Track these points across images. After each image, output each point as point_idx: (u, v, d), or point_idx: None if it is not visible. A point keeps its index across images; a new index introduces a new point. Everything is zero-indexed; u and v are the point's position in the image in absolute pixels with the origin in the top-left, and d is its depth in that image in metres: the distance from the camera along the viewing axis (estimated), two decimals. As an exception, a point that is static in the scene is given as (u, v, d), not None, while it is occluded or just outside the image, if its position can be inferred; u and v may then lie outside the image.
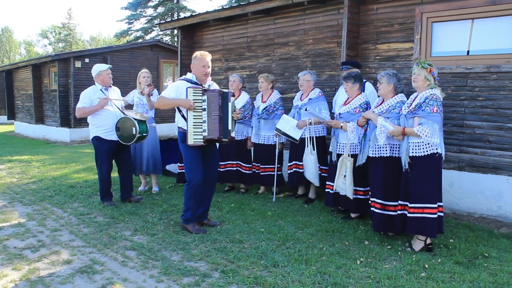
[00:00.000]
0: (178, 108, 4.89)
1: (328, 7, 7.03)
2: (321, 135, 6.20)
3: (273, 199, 6.42)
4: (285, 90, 7.62)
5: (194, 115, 4.71)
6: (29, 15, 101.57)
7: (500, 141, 5.41)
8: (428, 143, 4.21)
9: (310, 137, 6.00)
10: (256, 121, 6.62)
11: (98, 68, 6.01)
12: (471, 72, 5.56)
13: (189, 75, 4.96)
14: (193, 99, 4.69)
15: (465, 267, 3.95)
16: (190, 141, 4.72)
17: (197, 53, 4.96)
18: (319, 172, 6.10)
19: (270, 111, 6.50)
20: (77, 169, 8.99)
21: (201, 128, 4.72)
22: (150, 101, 6.75)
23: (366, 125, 4.93)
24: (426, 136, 4.16)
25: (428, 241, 4.37)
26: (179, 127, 4.94)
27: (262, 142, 6.62)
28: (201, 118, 4.73)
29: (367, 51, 6.59)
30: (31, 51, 58.12)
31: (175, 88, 4.84)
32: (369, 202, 4.95)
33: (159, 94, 6.91)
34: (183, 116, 4.85)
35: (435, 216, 4.24)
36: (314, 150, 5.96)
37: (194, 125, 4.71)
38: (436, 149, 4.21)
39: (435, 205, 4.24)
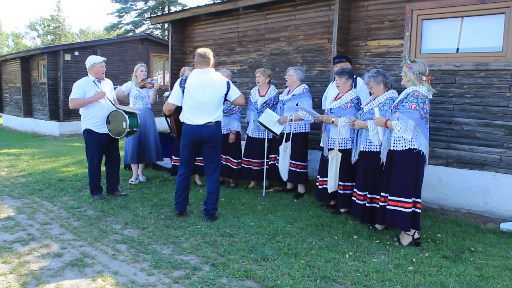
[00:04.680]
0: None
1: (319, 3, 7.05)
2: (302, 131, 6.25)
3: (263, 193, 6.45)
4: (276, 85, 7.59)
5: None
6: (17, 7, 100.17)
7: (488, 138, 5.48)
8: (407, 139, 4.28)
9: (287, 133, 6.11)
10: (256, 116, 6.54)
11: (93, 60, 5.98)
12: (459, 70, 5.62)
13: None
14: None
15: (451, 261, 4.01)
16: None
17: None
18: (296, 168, 6.21)
19: (271, 105, 6.52)
20: (66, 163, 8.94)
21: None
22: (155, 96, 7.12)
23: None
24: (399, 131, 4.26)
25: (416, 235, 4.43)
26: (220, 122, 5.26)
27: (263, 137, 6.58)
28: None
29: (358, 47, 6.63)
30: (19, 43, 57.32)
31: None
32: (353, 195, 5.05)
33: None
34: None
35: (409, 210, 4.31)
36: (289, 146, 6.08)
37: None
38: (414, 145, 4.27)
39: (410, 200, 4.32)
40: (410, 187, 4.33)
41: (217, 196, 5.23)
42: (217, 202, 5.24)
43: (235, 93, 5.22)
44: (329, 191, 5.34)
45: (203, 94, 5.02)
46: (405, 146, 4.30)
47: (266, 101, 6.56)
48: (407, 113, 4.25)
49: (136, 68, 7.13)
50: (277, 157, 6.37)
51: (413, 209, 4.34)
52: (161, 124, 9.24)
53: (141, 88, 7.00)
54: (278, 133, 6.18)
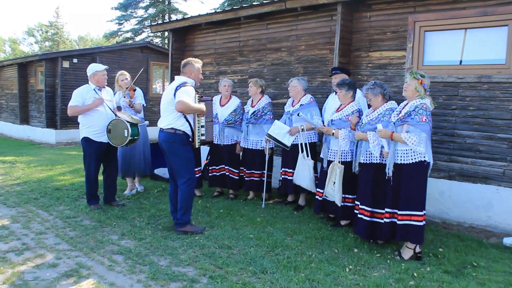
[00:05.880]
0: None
1: (321, 13, 7.12)
2: (312, 141, 6.27)
3: (262, 205, 6.46)
4: (277, 95, 7.68)
5: (198, 120, 5.20)
6: (14, 12, 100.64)
7: (490, 151, 5.51)
8: (416, 151, 4.30)
9: (304, 143, 6.05)
10: (245, 126, 6.68)
11: (94, 68, 6.01)
12: (462, 82, 5.66)
13: (189, 80, 5.13)
14: None
15: (453, 276, 4.02)
16: (197, 144, 5.22)
17: (193, 60, 5.26)
18: None
19: (258, 115, 6.56)
20: (63, 171, 8.95)
21: (199, 132, 5.24)
22: (134, 106, 6.78)
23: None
24: (412, 144, 4.27)
25: (418, 249, 4.44)
26: (178, 129, 5.05)
27: (250, 147, 6.68)
28: (200, 123, 5.24)
29: (360, 58, 6.68)
30: (16, 49, 57.44)
31: (193, 95, 5.05)
32: (355, 208, 5.05)
33: (143, 95, 7.06)
34: (187, 120, 5.10)
35: (422, 223, 4.33)
36: (307, 156, 6.02)
37: (198, 129, 5.21)
38: (424, 157, 4.30)
39: (422, 213, 4.34)
40: (423, 199, 4.37)
41: (183, 205, 5.09)
42: (183, 212, 5.09)
43: (177, 98, 4.89)
44: (339, 204, 5.27)
45: (162, 100, 5.22)
46: (415, 158, 4.33)
47: (254, 112, 6.61)
48: (418, 125, 4.28)
49: (117, 78, 6.93)
50: (288, 171, 6.31)
51: (423, 222, 4.36)
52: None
53: (124, 98, 6.77)
54: (289, 144, 6.13)
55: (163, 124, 5.14)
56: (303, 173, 5.98)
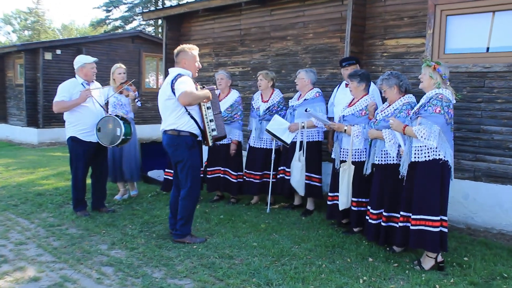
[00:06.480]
0: (185, 108, 4.91)
1: (330, -3, 7.10)
2: (315, 140, 6.27)
3: (267, 210, 6.45)
4: (282, 89, 7.62)
5: (205, 114, 5.02)
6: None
7: (521, 149, 5.48)
8: (431, 148, 4.26)
9: (300, 141, 6.08)
10: (257, 123, 6.64)
11: (83, 60, 5.99)
12: (489, 71, 5.62)
13: (184, 71, 4.97)
14: None
15: (481, 288, 3.99)
16: (210, 142, 5.10)
17: (187, 47, 5.08)
18: (310, 181, 6.22)
19: (274, 111, 6.55)
20: (46, 175, 8.96)
21: (210, 127, 5.08)
22: (135, 104, 6.77)
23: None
24: (422, 137, 4.23)
25: (440, 258, 4.41)
26: (182, 130, 4.92)
27: (264, 146, 6.66)
28: (208, 117, 5.07)
29: (374, 47, 6.65)
30: (-8, 39, 57.65)
31: (191, 83, 4.89)
32: (367, 213, 5.05)
33: (137, 94, 7.01)
34: (192, 117, 4.95)
35: (437, 230, 4.29)
36: (303, 156, 6.06)
37: (207, 123, 5.03)
38: (439, 154, 4.26)
39: (437, 218, 4.30)
40: (437, 202, 4.31)
41: (183, 215, 5.03)
42: (183, 223, 5.05)
43: (177, 92, 4.76)
44: (340, 208, 5.33)
45: (159, 100, 5.10)
46: (429, 156, 4.29)
47: (269, 107, 6.60)
48: (431, 117, 4.24)
49: (113, 70, 6.87)
50: (286, 169, 6.37)
51: (441, 228, 4.32)
52: (154, 131, 9.25)
53: (119, 93, 6.66)
54: (288, 142, 6.17)
55: (164, 125, 5.03)
56: (294, 173, 6.12)
